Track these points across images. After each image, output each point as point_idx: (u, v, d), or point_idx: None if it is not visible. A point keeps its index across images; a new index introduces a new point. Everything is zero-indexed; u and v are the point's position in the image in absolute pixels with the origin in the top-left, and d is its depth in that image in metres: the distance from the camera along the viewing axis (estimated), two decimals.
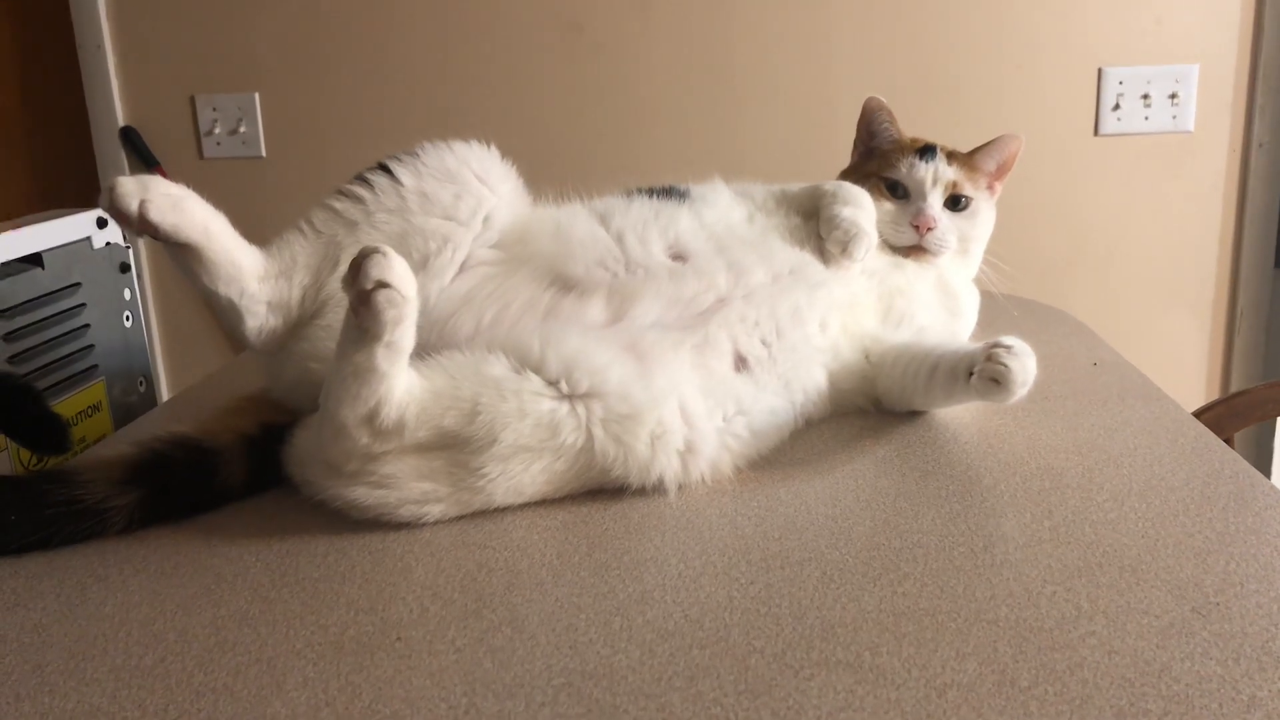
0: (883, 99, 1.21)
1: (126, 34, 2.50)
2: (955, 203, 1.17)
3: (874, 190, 1.17)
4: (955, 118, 2.35)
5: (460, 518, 0.87)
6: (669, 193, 1.09)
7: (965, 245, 1.18)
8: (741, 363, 0.98)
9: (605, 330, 0.93)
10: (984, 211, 1.19)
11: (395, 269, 0.76)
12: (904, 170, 1.16)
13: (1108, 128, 2.34)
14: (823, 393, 1.05)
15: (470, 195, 0.98)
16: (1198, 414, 1.52)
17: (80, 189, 2.57)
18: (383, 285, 0.75)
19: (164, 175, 2.52)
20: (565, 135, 2.44)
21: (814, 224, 1.11)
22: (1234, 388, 2.44)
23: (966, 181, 1.17)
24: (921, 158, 1.16)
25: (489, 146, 1.04)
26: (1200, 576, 0.75)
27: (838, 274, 1.08)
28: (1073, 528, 0.83)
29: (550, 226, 1.00)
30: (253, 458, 0.91)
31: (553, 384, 0.86)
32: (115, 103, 2.52)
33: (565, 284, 0.96)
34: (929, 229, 1.14)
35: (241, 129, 2.52)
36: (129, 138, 2.54)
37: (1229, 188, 2.36)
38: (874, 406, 1.08)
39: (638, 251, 0.99)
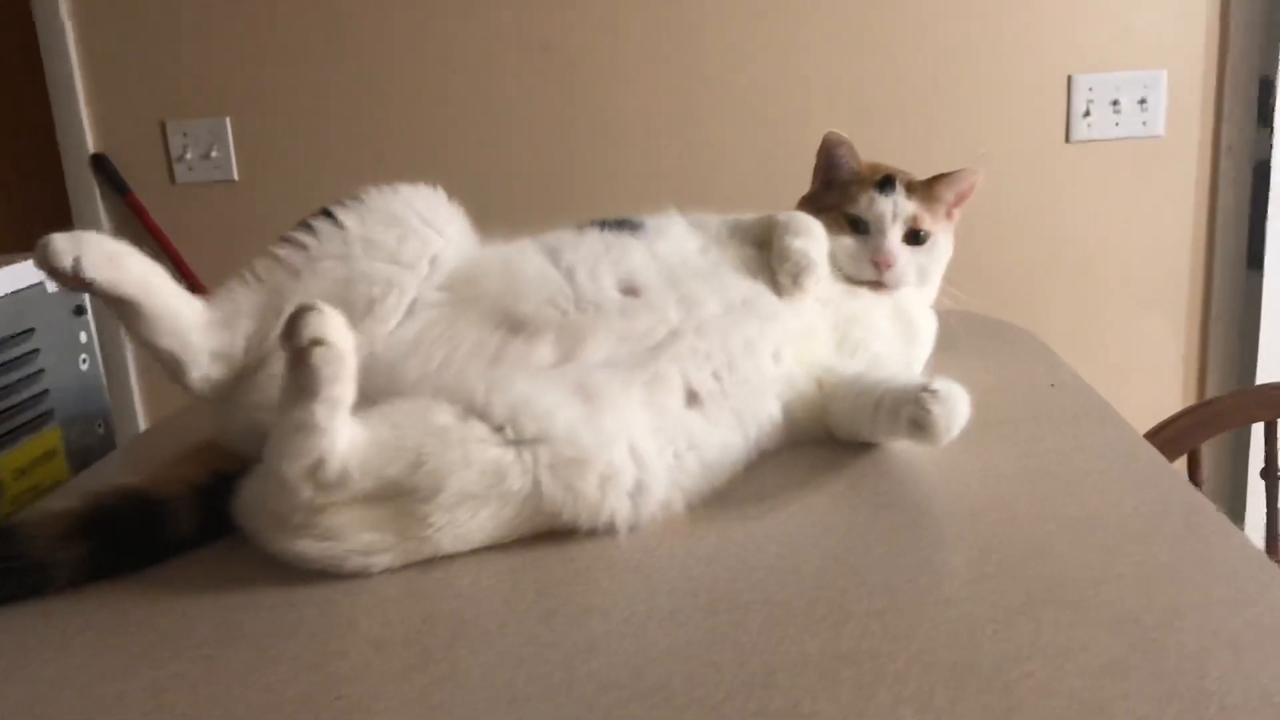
0: (842, 134, 1.22)
1: (95, 61, 2.49)
2: (915, 237, 1.18)
3: (834, 224, 1.17)
4: (926, 128, 2.36)
5: (410, 566, 0.86)
6: (622, 225, 1.09)
7: (924, 276, 1.19)
8: (693, 398, 0.98)
9: (554, 371, 0.93)
10: (942, 243, 1.20)
11: (331, 325, 0.76)
12: (864, 205, 1.17)
13: (1079, 134, 2.35)
14: (777, 424, 1.05)
15: (415, 238, 0.98)
16: (1166, 424, 1.53)
17: (53, 216, 2.56)
18: (318, 342, 0.76)
19: (136, 202, 2.52)
20: (537, 156, 2.45)
21: (768, 255, 1.11)
22: (1210, 391, 2.45)
23: (926, 214, 1.18)
24: (881, 191, 1.17)
25: (435, 188, 1.04)
26: (1142, 611, 0.75)
27: (791, 304, 1.08)
28: (1020, 561, 0.83)
29: (498, 265, 1.00)
30: (203, 508, 0.90)
31: (498, 430, 0.86)
32: (85, 130, 2.51)
33: (514, 324, 0.96)
34: (888, 266, 1.14)
35: (213, 153, 2.52)
36: (100, 165, 2.53)
37: (1200, 191, 2.37)
38: (829, 437, 1.08)
39: (588, 288, 1.00)
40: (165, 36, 2.46)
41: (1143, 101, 2.31)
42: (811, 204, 1.21)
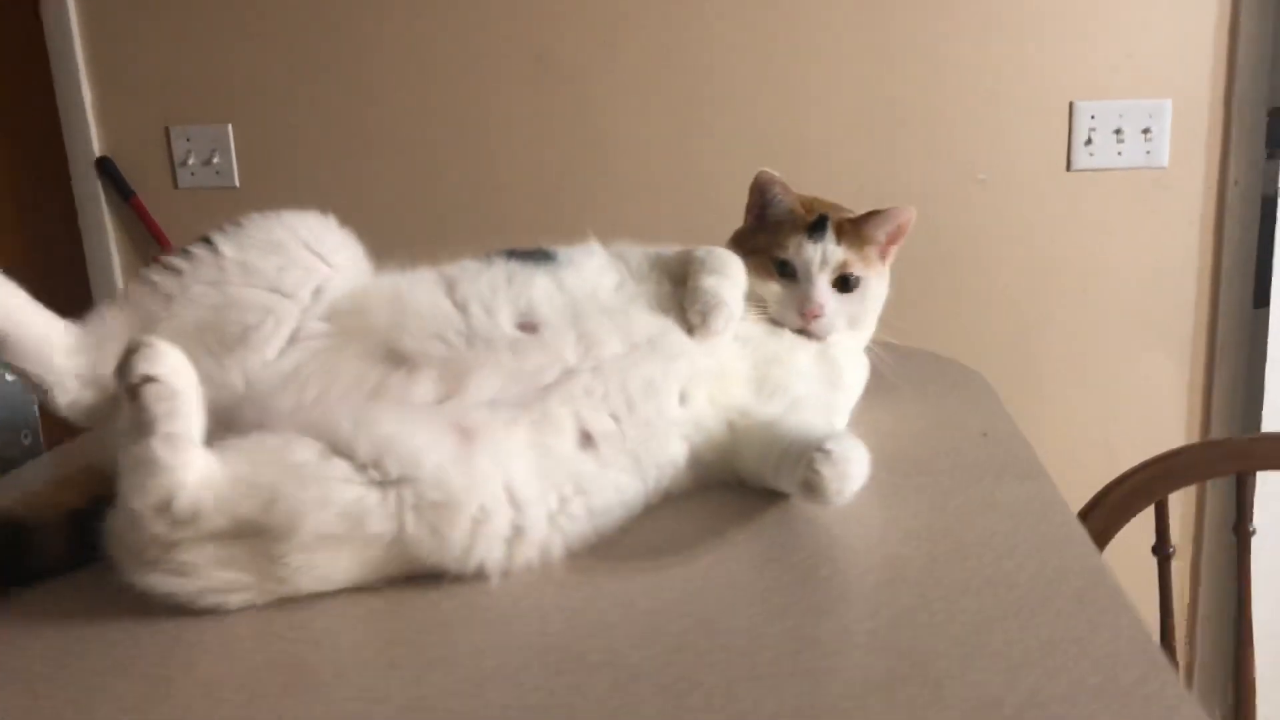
0: (775, 173, 1.17)
1: (102, 65, 2.51)
2: (845, 283, 1.13)
3: (762, 268, 1.13)
4: (925, 151, 2.31)
5: (271, 604, 0.84)
6: (535, 255, 1.06)
7: (854, 323, 1.15)
8: (587, 439, 0.94)
9: (434, 409, 0.90)
10: (874, 288, 1.16)
11: (164, 361, 0.74)
12: (791, 250, 1.13)
13: (1080, 163, 2.28)
14: (681, 467, 1.01)
15: (297, 266, 0.95)
16: (1129, 475, 1.46)
17: (59, 217, 2.58)
18: (149, 380, 0.73)
19: (140, 205, 2.53)
20: (534, 166, 2.43)
21: (683, 291, 1.07)
22: (1214, 429, 2.37)
23: (857, 259, 1.14)
24: (811, 236, 1.12)
25: (326, 215, 1.02)
26: (1003, 695, 0.70)
27: (702, 344, 1.04)
28: (893, 630, 0.78)
29: (388, 297, 0.97)
30: (75, 533, 0.88)
31: (362, 469, 0.83)
32: (91, 133, 2.53)
33: (396, 359, 0.93)
34: (815, 317, 1.10)
35: (215, 159, 2.53)
36: (105, 168, 2.55)
37: (1205, 225, 2.29)
38: (738, 482, 1.04)
39: (482, 322, 0.96)
40: (170, 42, 2.47)
41: (1146, 131, 2.24)
42: (741, 243, 1.17)
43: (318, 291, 0.96)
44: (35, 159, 2.59)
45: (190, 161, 2.52)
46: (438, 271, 1.02)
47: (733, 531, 0.96)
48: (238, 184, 2.52)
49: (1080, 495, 1.55)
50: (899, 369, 1.21)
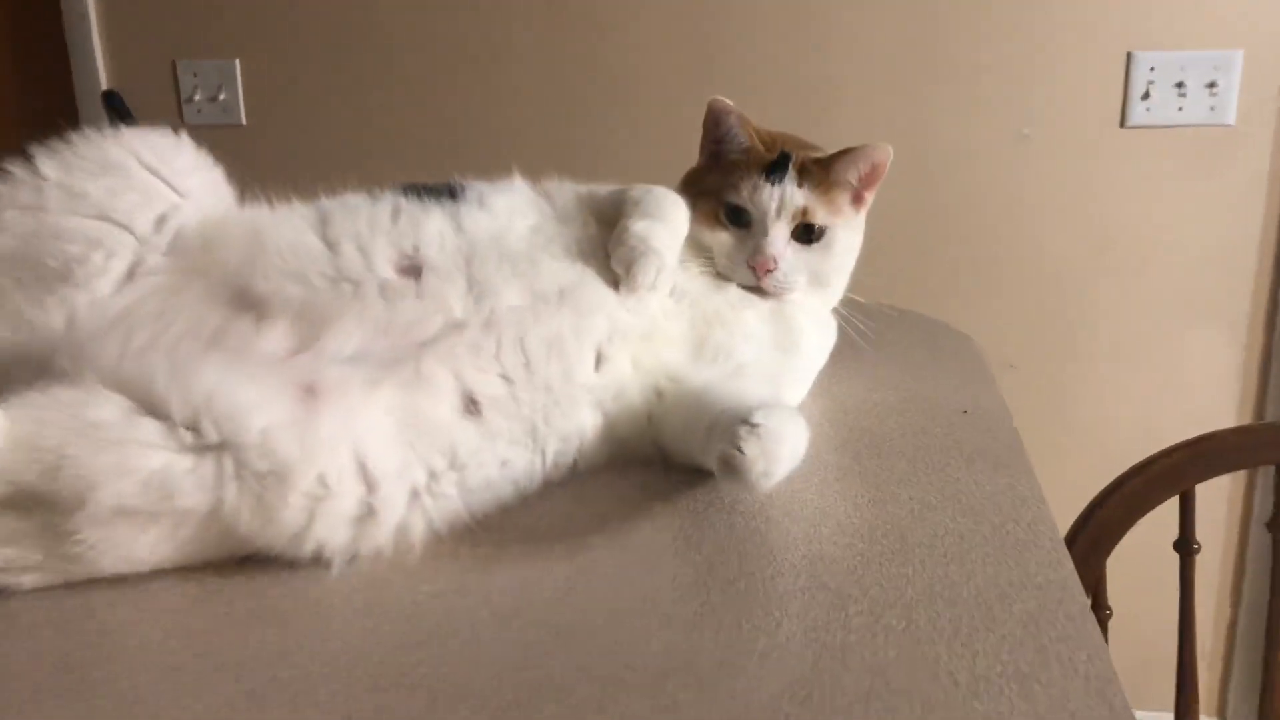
0: (729, 102, 0.99)
1: None
2: (806, 233, 0.96)
3: (710, 213, 0.97)
4: (965, 103, 2.10)
5: (71, 585, 0.71)
6: (437, 190, 0.90)
7: (818, 280, 0.98)
8: (471, 405, 0.80)
9: (278, 363, 0.76)
10: (843, 240, 0.99)
11: None
12: (745, 193, 0.96)
13: (1136, 119, 2.06)
14: (591, 440, 0.86)
15: (133, 191, 0.81)
16: (1156, 458, 1.28)
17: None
18: None
19: None
20: (547, 103, 2.27)
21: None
22: (1269, 413, 2.14)
23: (821, 205, 0.96)
24: (769, 177, 0.95)
25: (179, 134, 0.87)
26: None
27: (627, 299, 0.88)
28: (793, 652, 0.63)
29: (246, 231, 0.83)
30: None
31: (174, 431, 0.69)
32: (98, 65, 2.43)
33: (244, 302, 0.79)
34: (767, 271, 0.94)
35: (221, 96, 2.41)
36: (111, 102, 2.44)
37: (1273, 188, 2.05)
38: (661, 457, 0.89)
39: (353, 264, 0.81)
40: None
41: (1212, 85, 2.00)
42: (691, 184, 1.00)
43: (160, 221, 0.81)
44: (42, 91, 2.50)
45: (197, 98, 2.41)
46: (314, 206, 0.87)
47: (636, 518, 0.80)
48: (244, 121, 2.41)
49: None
50: (879, 333, 1.03)
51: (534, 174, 1.00)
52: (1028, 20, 2.03)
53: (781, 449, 0.72)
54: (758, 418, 0.73)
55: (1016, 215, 2.14)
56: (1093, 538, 1.29)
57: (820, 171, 0.97)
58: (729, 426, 0.74)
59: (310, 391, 0.74)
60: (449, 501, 0.77)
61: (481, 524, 0.78)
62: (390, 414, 0.76)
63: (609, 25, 2.18)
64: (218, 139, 2.77)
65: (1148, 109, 2.04)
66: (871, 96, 2.11)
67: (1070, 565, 0.73)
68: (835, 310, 1.02)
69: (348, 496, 0.72)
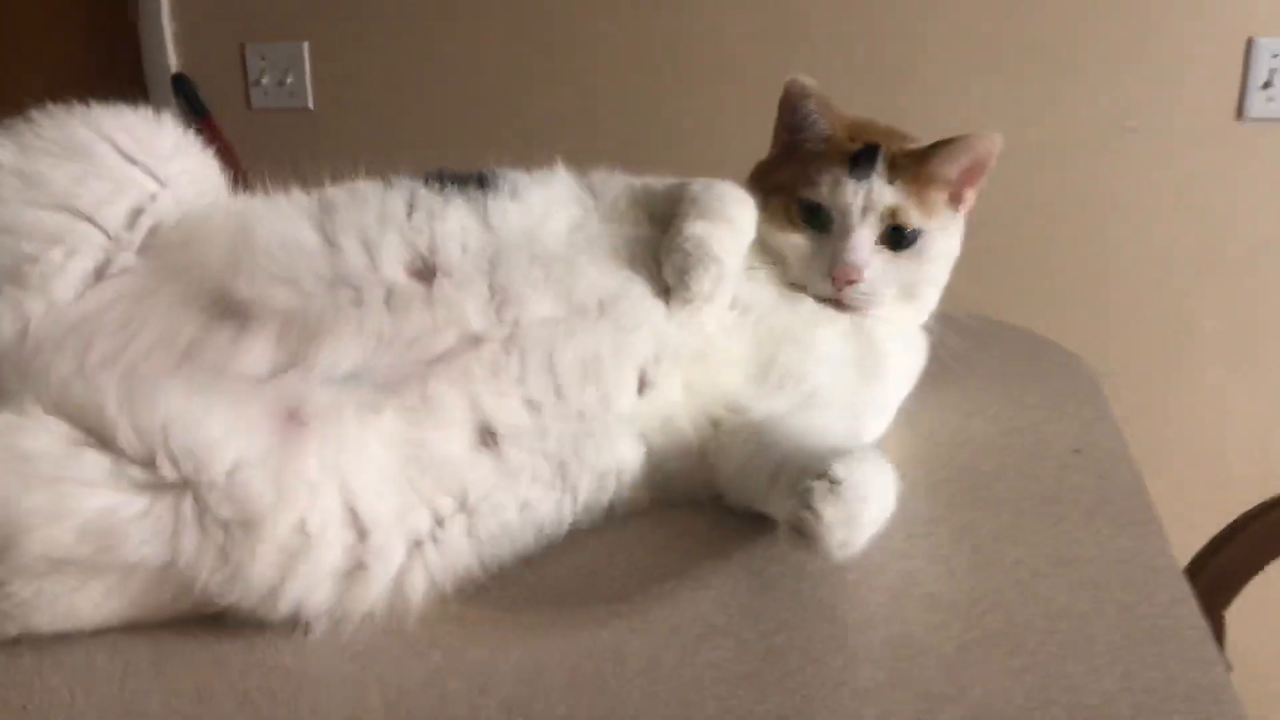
0: (810, 81, 0.84)
1: None
2: (897, 237, 0.81)
3: (783, 213, 0.82)
4: (1062, 92, 1.90)
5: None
6: (467, 180, 0.76)
7: (909, 292, 0.83)
8: (487, 436, 0.66)
9: (261, 384, 0.63)
10: (939, 245, 0.83)
11: None
12: (825, 189, 0.80)
13: (1255, 110, 1.86)
14: (631, 477, 0.71)
15: (102, 179, 0.68)
16: (1255, 515, 1.09)
17: None
18: None
19: (213, 126, 2.35)
20: (628, 87, 2.12)
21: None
22: None
23: (915, 206, 0.81)
24: (854, 171, 0.80)
25: (158, 114, 0.75)
26: None
27: (679, 312, 0.73)
28: None
29: (233, 226, 0.69)
30: None
31: (123, 467, 0.56)
32: (168, 49, 2.36)
33: (224, 309, 0.66)
34: (849, 281, 0.78)
35: (289, 80, 2.32)
36: (180, 86, 2.38)
37: None
38: (714, 499, 0.74)
39: (356, 264, 0.68)
40: None
41: None
42: (762, 178, 0.85)
43: (135, 215, 0.69)
44: (113, 75, 2.44)
45: (264, 81, 2.32)
46: (316, 196, 0.74)
47: (680, 578, 0.66)
48: (311, 106, 2.32)
49: (1225, 519, 1.18)
50: (971, 350, 0.86)
51: (626, 163, 0.86)
52: (1140, 7, 1.83)
53: (866, 512, 0.58)
54: (838, 470, 0.58)
55: (1118, 215, 1.94)
56: (1210, 585, 1.11)
57: (914, 165, 0.81)
58: (800, 478, 0.60)
59: (293, 418, 0.61)
60: (457, 553, 0.63)
61: (496, 579, 0.64)
62: (389, 447, 0.63)
63: (687, 9, 2.03)
64: (285, 124, 2.66)
65: (1269, 99, 1.83)
66: (959, 83, 1.92)
67: (1223, 667, 0.56)
68: (925, 327, 0.86)
69: (333, 547, 0.59)
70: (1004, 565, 0.66)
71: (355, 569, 0.60)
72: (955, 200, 0.84)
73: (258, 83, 2.34)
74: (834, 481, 0.57)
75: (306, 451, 0.59)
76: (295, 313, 0.65)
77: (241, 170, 0.79)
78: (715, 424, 0.74)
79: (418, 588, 0.62)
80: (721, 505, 0.73)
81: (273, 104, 2.35)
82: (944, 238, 0.83)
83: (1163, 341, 1.93)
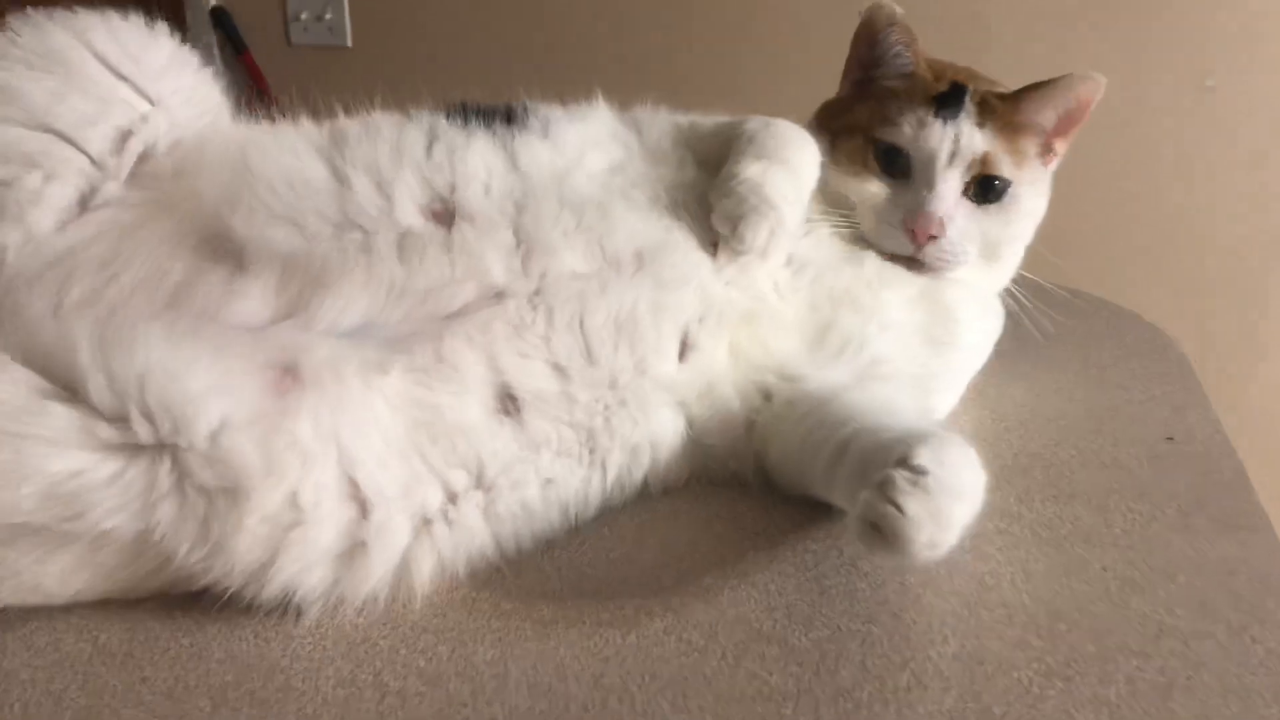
0: (897, 8, 0.74)
1: None
2: (984, 189, 0.71)
3: (855, 157, 0.72)
4: (1137, 49, 1.77)
5: None
6: (493, 114, 0.68)
7: (992, 252, 0.73)
8: (509, 402, 0.58)
9: (256, 334, 0.55)
10: (1028, 200, 0.73)
11: None
12: (907, 131, 0.71)
13: None
14: (669, 452, 0.63)
15: (85, 95, 0.60)
16: None
17: None
18: None
19: (251, 61, 2.28)
20: (679, 30, 2.00)
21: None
22: None
23: (1006, 154, 0.71)
24: (939, 112, 0.70)
25: (151, 22, 0.66)
26: None
27: (729, 266, 0.64)
28: None
29: (234, 155, 0.61)
30: None
31: (95, 423, 0.49)
32: None
33: (218, 249, 0.58)
34: (930, 237, 0.69)
35: (328, 15, 2.24)
36: (220, 20, 2.30)
37: None
38: (761, 479, 0.65)
39: (367, 204, 0.60)
40: None
41: None
42: (830, 119, 0.76)
43: (123, 137, 0.60)
44: (151, 8, 2.36)
45: (303, 16, 2.24)
46: (327, 128, 0.66)
47: (720, 570, 0.57)
48: (350, 43, 2.23)
49: None
50: (1052, 322, 0.77)
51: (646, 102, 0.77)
52: None
53: (956, 509, 0.49)
54: (923, 458, 0.50)
55: (1194, 181, 1.81)
56: None
57: (1007, 109, 0.71)
58: (873, 464, 0.52)
59: (289, 375, 0.53)
60: (470, 533, 0.56)
61: (513, 564, 0.57)
62: (397, 411, 0.55)
63: None
64: (323, 61, 2.56)
65: None
66: (1027, 35, 1.79)
67: None
68: (1005, 292, 0.76)
69: (329, 523, 0.52)
70: (1090, 573, 0.57)
71: (354, 548, 0.52)
72: (1045, 154, 0.74)
73: (297, 18, 2.26)
74: (918, 471, 0.49)
75: (301, 413, 0.52)
76: (297, 256, 0.57)
77: (275, 106, 0.72)
78: (766, 395, 0.65)
79: (424, 572, 0.54)
80: (769, 487, 0.65)
81: (312, 40, 2.27)
82: (1033, 193, 0.73)
83: (1240, 320, 1.81)
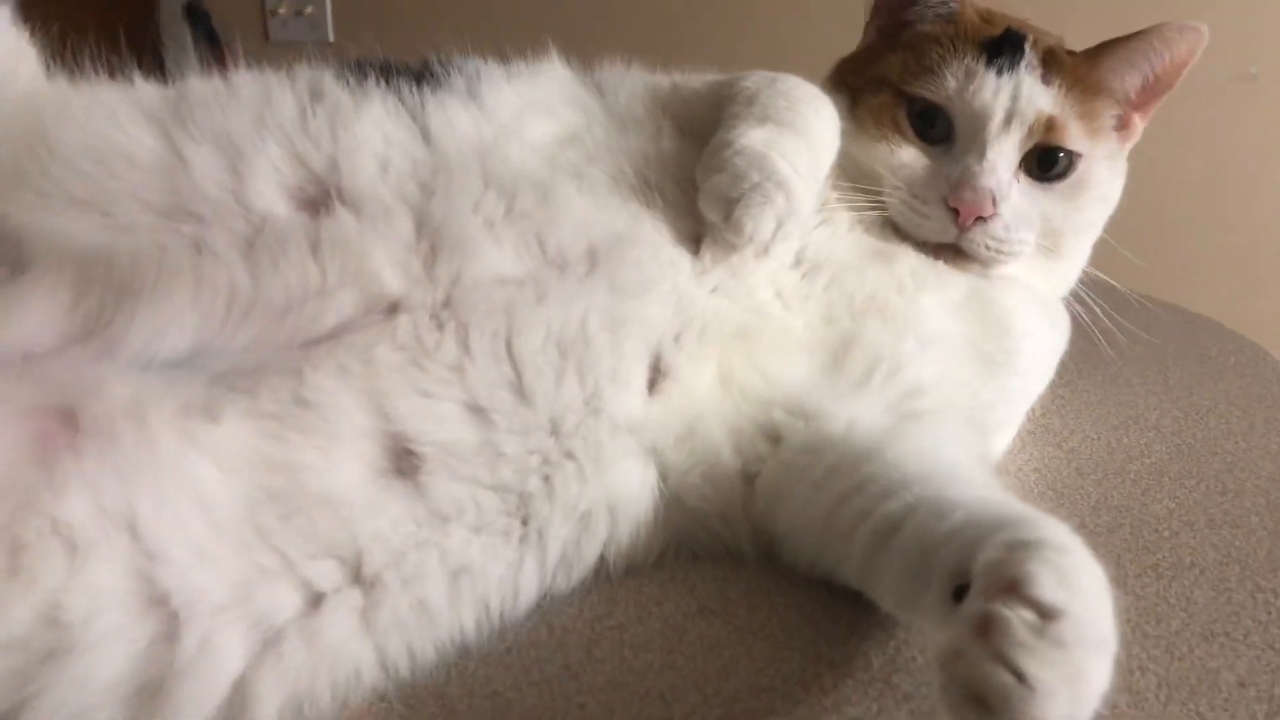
0: None
1: None
2: (1047, 162, 0.54)
3: (883, 117, 0.55)
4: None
5: None
6: (405, 73, 0.50)
7: (1055, 240, 0.56)
8: (403, 459, 0.40)
9: (33, 363, 0.38)
10: (1101, 179, 0.56)
11: None
12: (951, 84, 0.54)
13: None
14: (638, 516, 0.46)
15: None
16: None
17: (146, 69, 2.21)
18: None
19: (229, 57, 2.13)
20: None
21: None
22: None
23: (1077, 119, 0.55)
24: (993, 61, 0.53)
25: None
26: None
27: (716, 266, 0.47)
28: None
29: (29, 122, 0.44)
30: None
31: None
32: None
33: None
34: (977, 218, 0.52)
35: (308, 10, 2.11)
36: (193, 15, 2.15)
37: None
38: (761, 552, 0.47)
39: (208, 185, 0.43)
40: None
41: None
42: (851, 74, 0.59)
43: None
44: (124, 3, 2.21)
45: (281, 11, 2.10)
46: (174, 88, 0.48)
47: (704, 690, 0.39)
48: (331, 38, 2.09)
49: None
50: (1125, 334, 0.59)
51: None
52: None
53: (1099, 665, 0.32)
54: (1047, 587, 0.32)
55: (1234, 172, 1.65)
56: None
57: (1081, 67, 0.55)
58: (951, 570, 0.36)
59: (66, 423, 0.35)
60: (340, 650, 0.38)
61: (404, 691, 0.39)
62: (232, 475, 0.37)
63: None
64: (303, 57, 2.43)
65: None
66: (1053, 15, 1.62)
67: None
68: (1072, 295, 0.58)
69: (113, 647, 0.34)
70: (1223, 693, 0.39)
71: (158, 681, 0.35)
72: (1123, 128, 0.57)
73: (275, 13, 2.13)
74: (1045, 612, 0.31)
75: (71, 484, 0.34)
76: (99, 255, 0.40)
77: None
78: (772, 437, 0.48)
79: (268, 711, 0.36)
80: (773, 562, 0.47)
81: (291, 36, 2.14)
82: (1109, 171, 0.56)
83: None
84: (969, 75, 0.53)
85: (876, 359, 0.50)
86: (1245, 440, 0.60)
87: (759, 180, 0.46)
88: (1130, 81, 0.56)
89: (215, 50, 2.14)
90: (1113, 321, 0.58)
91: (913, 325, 0.51)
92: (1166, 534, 0.50)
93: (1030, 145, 0.54)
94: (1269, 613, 0.44)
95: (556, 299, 0.43)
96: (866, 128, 0.54)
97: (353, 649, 0.38)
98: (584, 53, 0.69)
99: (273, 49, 2.15)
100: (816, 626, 0.42)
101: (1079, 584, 0.32)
